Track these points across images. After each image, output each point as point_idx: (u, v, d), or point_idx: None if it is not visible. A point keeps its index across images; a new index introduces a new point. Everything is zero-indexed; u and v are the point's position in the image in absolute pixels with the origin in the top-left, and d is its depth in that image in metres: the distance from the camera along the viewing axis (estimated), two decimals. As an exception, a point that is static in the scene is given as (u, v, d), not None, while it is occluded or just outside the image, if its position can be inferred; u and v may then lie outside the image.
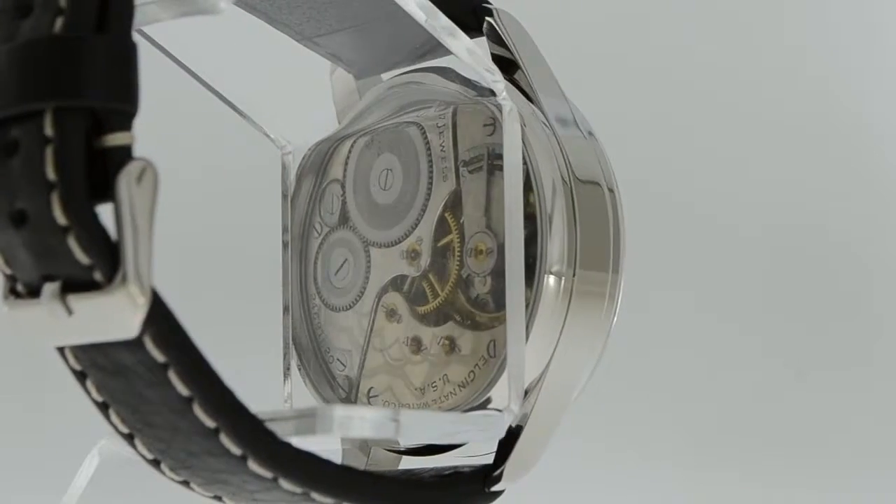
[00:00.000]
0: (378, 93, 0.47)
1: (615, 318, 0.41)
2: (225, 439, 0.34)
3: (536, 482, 0.54)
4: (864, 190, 0.66)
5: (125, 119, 0.33)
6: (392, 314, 0.45)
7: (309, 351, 0.48)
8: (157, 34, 0.44)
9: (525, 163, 0.40)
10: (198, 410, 0.34)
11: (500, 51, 0.44)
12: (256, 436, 0.35)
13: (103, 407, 0.37)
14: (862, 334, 0.63)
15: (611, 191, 0.42)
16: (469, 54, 0.39)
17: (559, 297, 0.40)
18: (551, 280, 0.40)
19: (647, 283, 0.60)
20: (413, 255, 0.44)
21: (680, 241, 0.62)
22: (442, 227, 0.43)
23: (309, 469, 0.36)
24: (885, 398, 0.62)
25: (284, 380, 0.48)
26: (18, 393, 0.48)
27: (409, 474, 0.42)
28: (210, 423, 0.34)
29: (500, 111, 0.40)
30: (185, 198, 0.59)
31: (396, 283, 0.45)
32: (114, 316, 0.32)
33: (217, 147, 0.59)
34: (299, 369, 0.48)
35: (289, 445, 0.35)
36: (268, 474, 0.35)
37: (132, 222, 0.32)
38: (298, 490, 0.36)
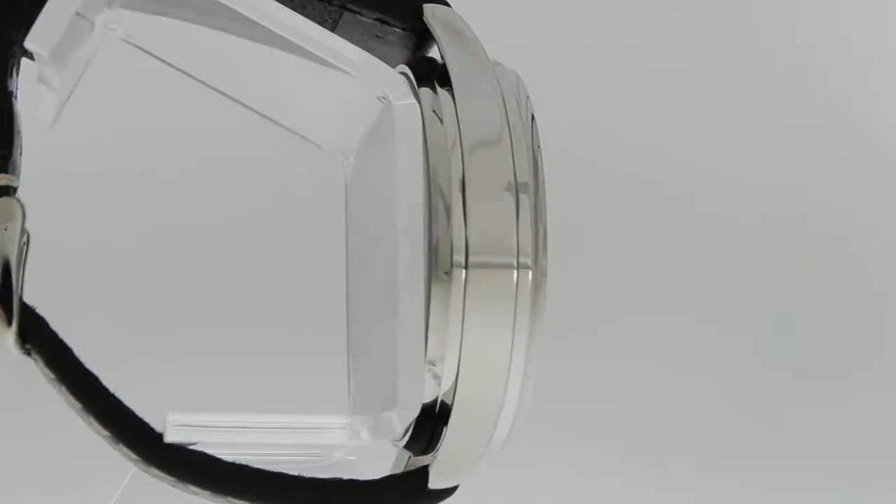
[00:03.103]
0: None
1: (532, 306, 0.39)
2: (122, 447, 0.38)
3: (537, 484, 0.54)
4: (866, 190, 0.60)
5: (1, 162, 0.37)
6: None
7: (362, 357, 0.49)
8: (197, 68, 0.47)
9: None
10: (92, 421, 0.37)
11: None
12: (146, 442, 0.37)
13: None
14: (863, 334, 0.59)
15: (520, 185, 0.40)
16: (365, 66, 0.40)
17: (452, 292, 0.39)
18: (442, 275, 0.39)
19: (642, 282, 0.58)
20: None
21: (677, 239, 0.59)
22: None
23: (204, 471, 0.38)
24: (886, 399, 0.57)
25: (349, 390, 0.50)
26: (19, 392, 0.53)
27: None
28: (104, 432, 0.37)
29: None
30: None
31: None
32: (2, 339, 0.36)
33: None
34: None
35: (183, 449, 0.38)
36: (169, 478, 0.38)
37: (-7, 255, 0.36)
38: (209, 492, 0.39)
